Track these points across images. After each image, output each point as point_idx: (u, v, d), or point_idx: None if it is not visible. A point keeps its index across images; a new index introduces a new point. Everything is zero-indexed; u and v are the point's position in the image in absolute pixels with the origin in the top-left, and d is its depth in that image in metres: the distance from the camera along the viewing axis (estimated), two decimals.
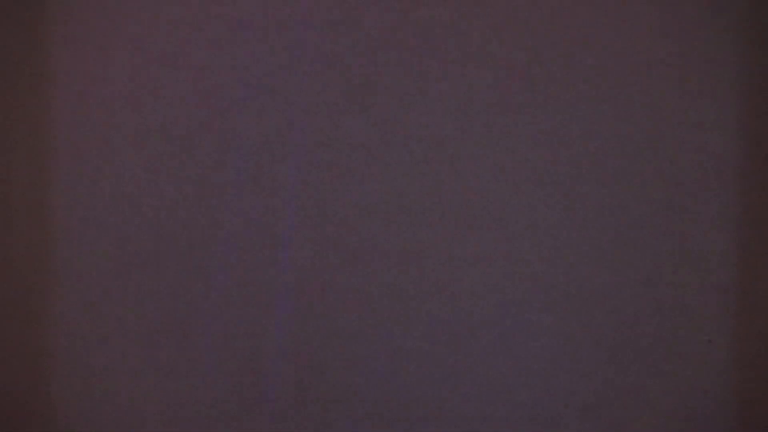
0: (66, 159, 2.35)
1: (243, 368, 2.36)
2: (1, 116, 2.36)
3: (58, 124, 2.35)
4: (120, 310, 2.37)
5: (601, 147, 2.31)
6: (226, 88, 2.33)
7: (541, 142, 2.32)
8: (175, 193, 2.35)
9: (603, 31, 2.30)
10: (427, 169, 2.33)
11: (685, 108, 2.30)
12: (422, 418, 2.35)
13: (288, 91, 2.33)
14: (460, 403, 2.35)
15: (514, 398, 2.34)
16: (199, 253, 2.35)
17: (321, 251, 2.34)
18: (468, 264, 2.33)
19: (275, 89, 2.33)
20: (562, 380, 2.33)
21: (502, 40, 2.31)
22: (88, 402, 2.38)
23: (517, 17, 2.30)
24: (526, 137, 2.32)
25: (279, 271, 2.35)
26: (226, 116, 2.34)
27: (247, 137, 2.34)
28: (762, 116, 2.29)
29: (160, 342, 2.37)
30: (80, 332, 2.37)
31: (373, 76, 2.32)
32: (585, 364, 2.33)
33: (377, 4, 2.32)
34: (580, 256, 2.32)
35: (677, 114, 2.30)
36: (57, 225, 2.36)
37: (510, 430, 2.34)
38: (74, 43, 2.35)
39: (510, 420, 2.34)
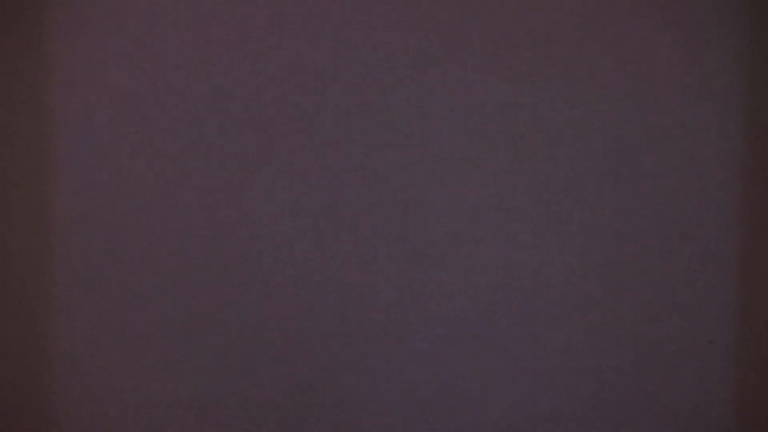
0: (66, 158, 2.35)
1: (243, 368, 2.36)
2: (1, 117, 2.36)
3: (58, 123, 2.35)
4: (120, 310, 2.37)
5: (602, 148, 2.32)
6: (226, 86, 2.33)
7: (542, 143, 2.32)
8: (175, 192, 2.35)
9: (604, 32, 2.30)
10: (429, 171, 2.33)
11: (685, 108, 2.30)
12: (423, 419, 2.35)
13: (289, 90, 2.33)
14: (461, 405, 2.35)
15: (515, 398, 2.34)
16: (199, 253, 2.35)
17: (321, 252, 2.34)
18: (468, 266, 2.33)
19: (276, 88, 2.33)
20: (563, 380, 2.34)
21: (503, 40, 2.31)
22: (88, 402, 2.38)
23: (518, 18, 2.30)
24: (527, 138, 2.32)
25: (279, 271, 2.35)
26: (227, 114, 2.34)
27: (248, 136, 2.34)
28: (762, 116, 2.29)
29: (160, 342, 2.37)
30: (80, 332, 2.37)
31: (374, 77, 2.32)
32: (585, 364, 2.33)
33: (379, 5, 2.32)
34: (581, 257, 2.32)
35: (678, 114, 2.30)
36: (57, 225, 2.36)
37: (511, 430, 2.34)
38: (74, 41, 2.34)
39: (511, 420, 2.34)
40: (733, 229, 2.31)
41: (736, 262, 2.31)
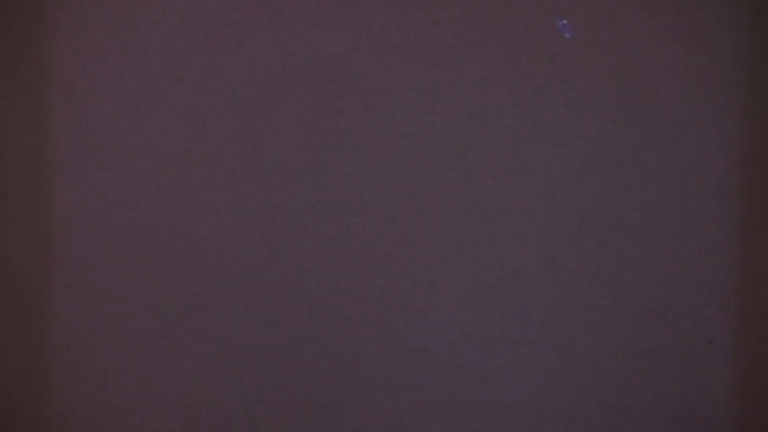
0: (66, 160, 2.35)
1: (242, 368, 2.36)
2: (1, 117, 2.36)
3: (58, 125, 2.35)
4: (120, 310, 2.37)
5: (601, 148, 2.31)
6: (226, 90, 2.33)
7: (540, 143, 2.32)
8: (174, 193, 2.35)
9: (603, 31, 2.30)
10: (426, 171, 2.33)
11: (685, 108, 2.30)
12: (422, 418, 2.35)
13: (288, 91, 2.33)
14: (460, 405, 2.35)
15: (514, 398, 2.34)
16: (199, 253, 2.35)
17: (321, 252, 2.34)
18: (467, 267, 2.33)
19: (276, 90, 2.33)
20: (563, 380, 2.34)
21: (501, 39, 2.31)
22: (88, 402, 2.38)
23: (517, 17, 2.30)
24: (525, 138, 2.32)
25: (278, 271, 2.35)
26: (226, 118, 2.34)
27: (247, 138, 2.34)
28: (762, 116, 2.29)
29: (160, 342, 2.37)
30: (80, 332, 2.37)
31: (375, 76, 2.32)
32: (585, 364, 2.33)
33: (378, 7, 2.32)
34: (580, 257, 2.32)
35: (677, 114, 2.30)
36: (57, 225, 2.36)
37: (510, 429, 2.34)
38: (74, 41, 2.35)
39: (510, 420, 2.34)
40: (733, 229, 2.30)
41: (736, 263, 2.30)
